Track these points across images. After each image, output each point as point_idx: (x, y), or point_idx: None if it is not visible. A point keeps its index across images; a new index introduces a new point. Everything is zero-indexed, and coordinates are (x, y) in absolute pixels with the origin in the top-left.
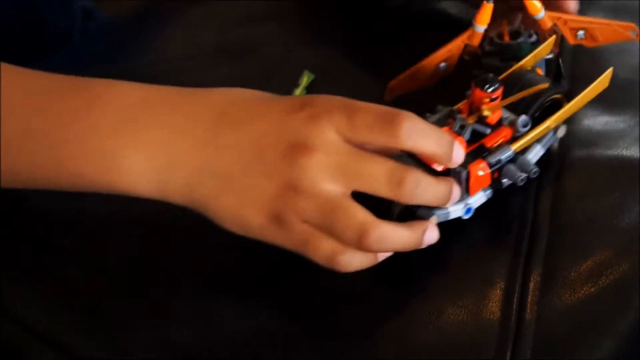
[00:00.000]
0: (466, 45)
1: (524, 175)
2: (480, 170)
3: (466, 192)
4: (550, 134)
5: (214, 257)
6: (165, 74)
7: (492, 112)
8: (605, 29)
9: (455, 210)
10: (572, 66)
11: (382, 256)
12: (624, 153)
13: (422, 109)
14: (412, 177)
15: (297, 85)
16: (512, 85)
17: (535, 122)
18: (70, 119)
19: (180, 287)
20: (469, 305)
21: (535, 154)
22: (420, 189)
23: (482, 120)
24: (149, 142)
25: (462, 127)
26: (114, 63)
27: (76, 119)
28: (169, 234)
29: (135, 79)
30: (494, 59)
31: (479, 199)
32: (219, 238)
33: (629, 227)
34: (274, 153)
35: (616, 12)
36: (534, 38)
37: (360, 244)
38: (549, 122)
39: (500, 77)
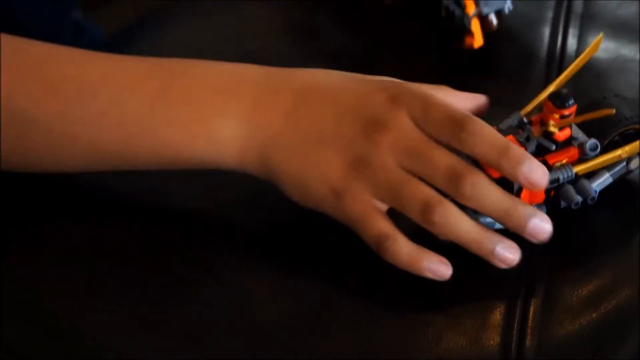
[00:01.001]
0: None
1: (579, 199)
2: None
3: None
4: (622, 164)
5: (238, 245)
6: None
7: (557, 128)
8: None
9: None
10: (575, 85)
11: (426, 266)
12: (630, 174)
13: None
14: (474, 175)
15: None
16: (591, 107)
17: (611, 146)
18: (158, 91)
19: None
20: (469, 331)
21: (601, 182)
22: (478, 191)
23: (549, 135)
24: (236, 112)
25: (528, 139)
26: None
27: (163, 91)
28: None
29: None
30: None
31: None
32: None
33: (633, 250)
34: (352, 128)
35: (617, 29)
36: None
37: (425, 217)
38: (620, 152)
39: (558, 81)
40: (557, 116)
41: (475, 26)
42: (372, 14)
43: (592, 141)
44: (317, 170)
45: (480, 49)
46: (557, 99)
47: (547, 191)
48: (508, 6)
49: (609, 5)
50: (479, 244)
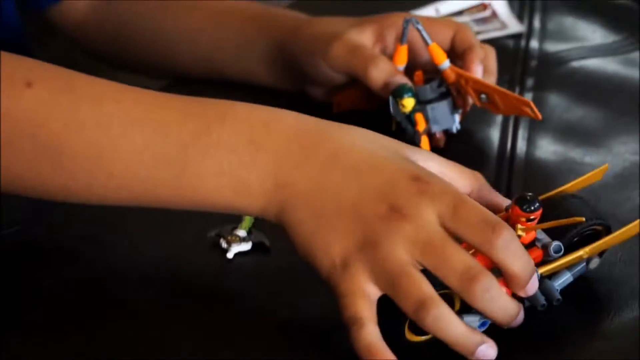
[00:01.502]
0: None
1: (545, 302)
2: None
3: None
4: (582, 264)
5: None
6: None
7: (526, 232)
8: (504, 98)
9: (471, 322)
10: (525, 188)
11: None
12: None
13: None
14: (486, 279)
15: None
16: (552, 207)
17: (572, 248)
18: (191, 138)
19: None
20: None
21: (562, 281)
22: (490, 295)
23: None
24: (264, 166)
25: None
26: None
27: (196, 138)
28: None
29: None
30: None
31: None
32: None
33: (592, 344)
34: (372, 210)
35: (564, 133)
36: (442, 88)
37: (417, 315)
38: (582, 252)
39: (542, 197)
40: (524, 219)
41: (424, 143)
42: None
43: (556, 244)
44: (325, 240)
45: (434, 148)
46: (525, 203)
47: (513, 292)
48: (456, 126)
49: (557, 110)
50: (463, 345)
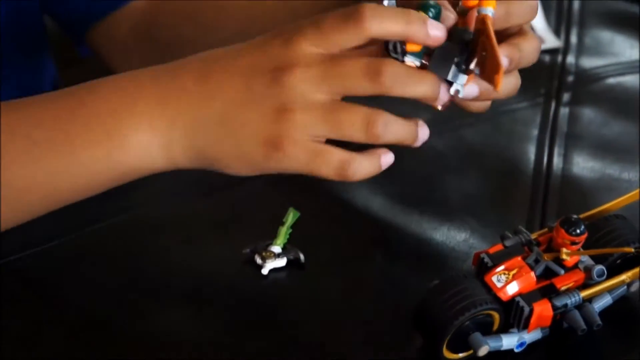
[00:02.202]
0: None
1: (585, 326)
2: (544, 310)
3: (525, 328)
4: (623, 287)
5: None
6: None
7: (571, 257)
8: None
9: (509, 343)
10: (563, 205)
11: (385, 163)
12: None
13: None
14: (390, 66)
15: (282, 223)
16: (598, 228)
17: (613, 269)
18: (67, 118)
19: None
20: None
21: (602, 304)
22: (400, 80)
23: (558, 260)
24: (147, 112)
25: (537, 261)
26: None
27: (73, 116)
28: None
29: None
30: None
31: (534, 335)
32: None
33: None
34: (260, 82)
35: (601, 149)
36: (468, 38)
37: (369, 133)
38: (624, 277)
39: (583, 216)
40: (569, 243)
41: None
42: None
43: (599, 268)
44: (247, 132)
45: (469, 163)
46: (570, 227)
47: (554, 315)
48: (456, 88)
49: (593, 125)
50: (409, 138)
